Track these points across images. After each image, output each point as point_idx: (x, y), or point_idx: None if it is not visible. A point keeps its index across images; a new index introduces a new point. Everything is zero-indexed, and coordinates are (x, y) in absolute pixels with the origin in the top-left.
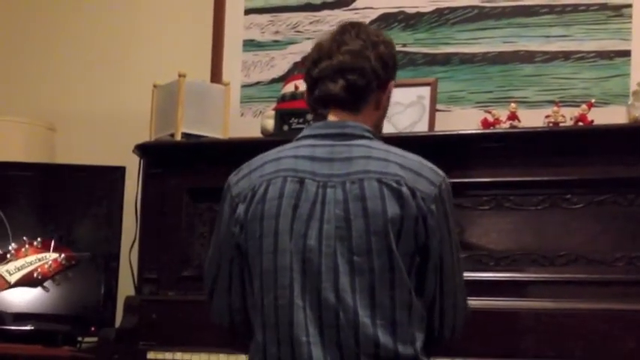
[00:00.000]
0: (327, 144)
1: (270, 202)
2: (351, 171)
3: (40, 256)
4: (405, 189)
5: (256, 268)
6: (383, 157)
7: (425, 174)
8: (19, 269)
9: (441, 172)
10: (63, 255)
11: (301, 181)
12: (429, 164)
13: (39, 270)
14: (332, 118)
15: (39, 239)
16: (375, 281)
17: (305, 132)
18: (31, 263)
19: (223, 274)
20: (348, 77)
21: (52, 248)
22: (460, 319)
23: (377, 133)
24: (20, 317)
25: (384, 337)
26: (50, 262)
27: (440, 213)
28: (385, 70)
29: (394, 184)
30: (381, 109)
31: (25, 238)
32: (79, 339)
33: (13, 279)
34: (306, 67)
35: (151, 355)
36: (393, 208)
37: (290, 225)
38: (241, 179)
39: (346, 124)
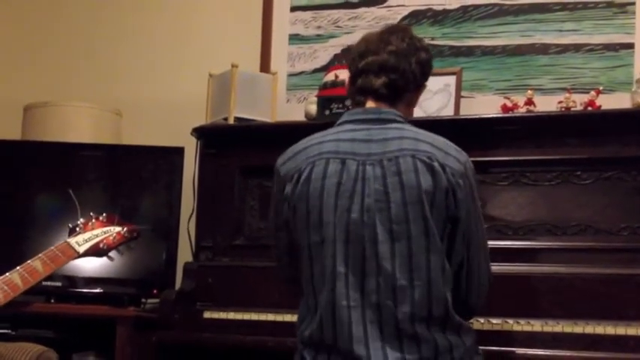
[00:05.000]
0: (364, 128)
1: (315, 183)
2: (387, 150)
3: (105, 229)
4: (436, 164)
5: (304, 241)
6: (414, 137)
7: (452, 153)
8: (86, 241)
9: (464, 153)
10: (126, 228)
11: (343, 161)
12: (454, 145)
13: (104, 241)
14: (369, 106)
15: (104, 214)
16: (413, 246)
17: (345, 117)
18: (97, 235)
19: (280, 245)
20: (391, 76)
21: (116, 222)
22: (484, 286)
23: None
24: (90, 281)
25: (419, 298)
26: (114, 234)
27: (466, 187)
28: (422, 74)
29: (427, 160)
30: (411, 107)
31: (91, 213)
32: (143, 300)
33: (81, 249)
34: (351, 58)
35: (207, 314)
36: (426, 181)
37: (334, 201)
38: (287, 161)
39: (381, 110)
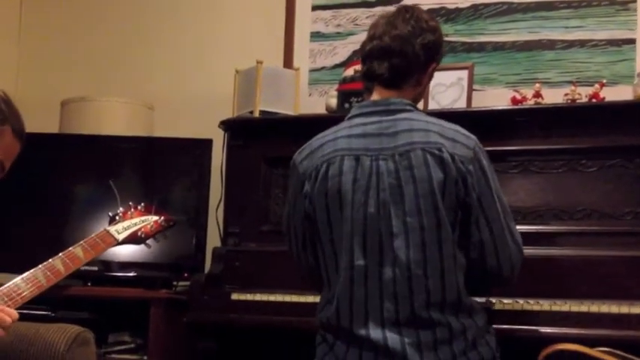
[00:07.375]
0: (375, 120)
1: (332, 180)
2: (398, 144)
3: (143, 218)
4: (446, 155)
5: (325, 236)
6: (424, 127)
7: (460, 140)
8: (125, 229)
9: (472, 136)
10: (162, 217)
11: (357, 158)
12: (462, 130)
13: (142, 230)
14: (376, 96)
15: (142, 204)
16: (426, 237)
17: (354, 111)
18: (135, 224)
19: (297, 236)
20: (393, 60)
21: (153, 211)
22: (516, 257)
23: (415, 105)
24: (125, 266)
25: (433, 286)
26: (152, 222)
27: (477, 171)
28: (427, 54)
29: (436, 152)
30: (422, 86)
31: (130, 203)
32: (175, 283)
33: (120, 237)
34: (363, 41)
35: (234, 296)
36: (437, 173)
37: (351, 197)
38: (305, 159)
39: (390, 101)
